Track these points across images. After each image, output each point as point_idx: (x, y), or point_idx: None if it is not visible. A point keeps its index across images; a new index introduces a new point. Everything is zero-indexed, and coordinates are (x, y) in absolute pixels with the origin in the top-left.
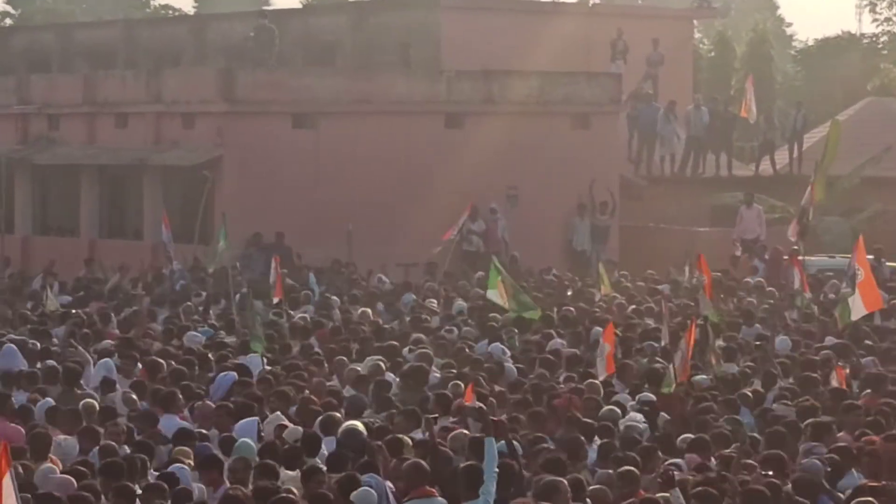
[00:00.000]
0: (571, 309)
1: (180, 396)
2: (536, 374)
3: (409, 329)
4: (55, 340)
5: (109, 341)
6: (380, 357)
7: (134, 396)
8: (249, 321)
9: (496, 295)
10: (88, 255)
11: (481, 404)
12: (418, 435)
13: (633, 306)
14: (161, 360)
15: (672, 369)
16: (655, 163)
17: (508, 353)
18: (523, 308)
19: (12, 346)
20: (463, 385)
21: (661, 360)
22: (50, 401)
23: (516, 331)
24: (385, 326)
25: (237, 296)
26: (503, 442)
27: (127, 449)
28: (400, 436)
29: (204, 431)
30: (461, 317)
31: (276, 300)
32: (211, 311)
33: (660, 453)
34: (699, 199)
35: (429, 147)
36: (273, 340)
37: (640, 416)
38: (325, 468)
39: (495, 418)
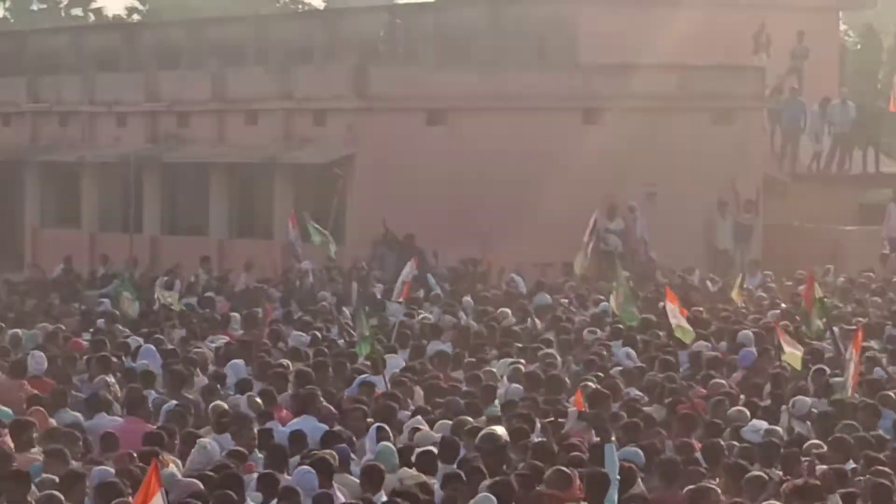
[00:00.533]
0: (701, 309)
1: (321, 398)
2: (665, 376)
3: (543, 330)
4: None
5: (224, 339)
6: (516, 360)
7: (259, 399)
8: (358, 322)
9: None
10: (218, 254)
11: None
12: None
13: (775, 311)
14: (286, 362)
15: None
16: (800, 160)
17: (635, 355)
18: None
19: (150, 346)
20: (593, 385)
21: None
22: (173, 402)
23: (659, 332)
24: (514, 328)
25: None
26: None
27: (258, 453)
28: (546, 440)
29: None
30: (606, 317)
31: (400, 300)
32: (346, 311)
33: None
34: (846, 197)
35: (565, 143)
36: (406, 340)
37: (763, 424)
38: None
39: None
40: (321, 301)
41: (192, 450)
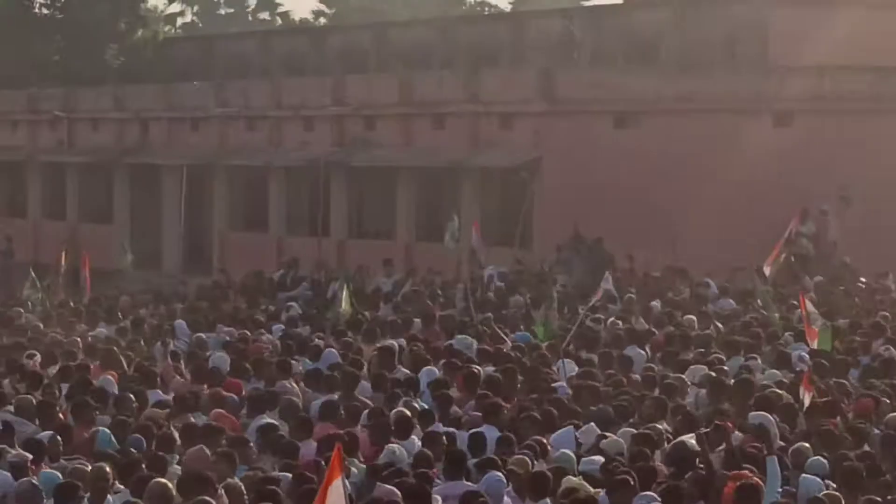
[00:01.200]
0: (886, 314)
1: (505, 408)
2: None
3: (729, 335)
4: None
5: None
6: (719, 366)
7: (416, 404)
8: (542, 317)
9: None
10: (404, 258)
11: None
12: None
13: None
14: (477, 368)
15: None
16: None
17: (807, 357)
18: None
19: (333, 350)
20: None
21: None
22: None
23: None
24: (692, 333)
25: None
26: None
27: None
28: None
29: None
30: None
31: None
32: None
33: None
34: None
35: (756, 146)
36: (593, 344)
37: None
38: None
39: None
40: (513, 308)
41: (381, 454)
